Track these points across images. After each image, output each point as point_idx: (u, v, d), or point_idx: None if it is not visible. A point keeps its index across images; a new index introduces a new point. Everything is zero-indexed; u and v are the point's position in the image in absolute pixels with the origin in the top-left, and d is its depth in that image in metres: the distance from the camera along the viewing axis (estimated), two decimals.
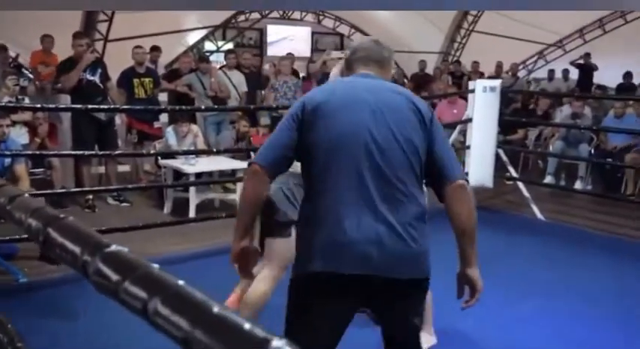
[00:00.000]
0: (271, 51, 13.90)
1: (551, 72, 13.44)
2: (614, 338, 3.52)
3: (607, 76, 12.08)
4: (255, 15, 12.90)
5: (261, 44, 14.28)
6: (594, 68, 12.34)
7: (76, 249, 0.74)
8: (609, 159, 7.57)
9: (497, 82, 6.42)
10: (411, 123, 2.00)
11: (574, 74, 12.80)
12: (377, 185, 1.94)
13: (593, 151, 7.88)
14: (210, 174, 6.57)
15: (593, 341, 3.50)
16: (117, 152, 6.55)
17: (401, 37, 14.11)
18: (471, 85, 6.57)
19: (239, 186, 6.43)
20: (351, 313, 2.07)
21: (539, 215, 6.20)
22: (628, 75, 11.55)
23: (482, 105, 6.25)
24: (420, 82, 10.77)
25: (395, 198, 1.94)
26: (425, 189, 2.15)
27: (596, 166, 7.81)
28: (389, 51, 2.25)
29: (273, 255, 3.05)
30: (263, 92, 8.72)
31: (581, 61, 12.74)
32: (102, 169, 7.13)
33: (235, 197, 6.38)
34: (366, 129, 1.96)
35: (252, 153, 7.14)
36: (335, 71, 2.83)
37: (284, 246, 2.93)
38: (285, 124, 2.06)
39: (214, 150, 6.49)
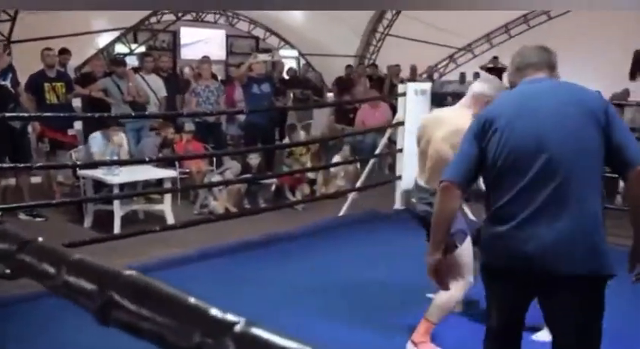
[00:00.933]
0: (185, 54, 13.47)
1: (462, 75, 13.83)
2: None
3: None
4: (169, 17, 12.42)
5: (174, 47, 13.78)
6: (504, 70, 12.78)
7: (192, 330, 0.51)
8: None
9: (427, 85, 6.47)
10: (582, 124, 2.09)
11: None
12: (546, 188, 2.07)
13: None
14: (134, 184, 6.18)
15: None
16: (38, 164, 6.01)
17: (317, 40, 14.07)
18: (401, 88, 6.56)
19: (167, 197, 6.09)
20: (522, 301, 2.28)
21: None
22: None
23: (414, 109, 6.25)
24: (344, 85, 10.75)
25: (565, 198, 2.06)
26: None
27: None
28: (555, 55, 2.34)
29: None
30: (185, 96, 8.36)
31: (491, 65, 13.18)
32: (8, 181, 6.55)
33: (162, 207, 6.03)
34: (538, 137, 2.08)
35: (176, 163, 6.80)
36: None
37: None
38: (467, 140, 2.25)
39: (146, 159, 6.09)
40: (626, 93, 9.97)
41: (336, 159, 7.47)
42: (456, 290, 3.13)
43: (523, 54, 2.33)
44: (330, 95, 12.09)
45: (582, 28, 14.13)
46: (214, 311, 0.53)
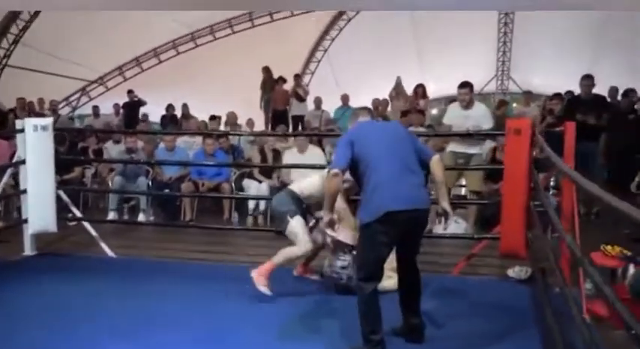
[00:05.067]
0: None
1: (96, 108, 13.45)
2: None
3: (149, 110, 12.77)
4: None
5: None
6: (143, 103, 12.80)
7: None
8: (167, 190, 7.95)
9: (48, 121, 6.04)
10: (398, 137, 3.73)
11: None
12: (393, 168, 3.57)
13: (151, 183, 8.16)
14: None
15: None
16: None
17: None
18: (18, 123, 6.02)
19: None
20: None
21: (109, 252, 6.07)
22: (170, 107, 12.46)
23: (35, 145, 5.80)
24: None
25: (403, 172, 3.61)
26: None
27: (156, 197, 8.12)
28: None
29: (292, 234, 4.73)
30: None
31: (128, 99, 12.99)
32: None
33: None
34: (385, 145, 3.62)
35: None
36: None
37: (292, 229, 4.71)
38: (344, 145, 3.60)
39: None
40: (251, 122, 10.91)
41: None
42: (297, 249, 4.67)
43: (357, 111, 4.08)
44: None
45: (206, 60, 15.21)
46: None
